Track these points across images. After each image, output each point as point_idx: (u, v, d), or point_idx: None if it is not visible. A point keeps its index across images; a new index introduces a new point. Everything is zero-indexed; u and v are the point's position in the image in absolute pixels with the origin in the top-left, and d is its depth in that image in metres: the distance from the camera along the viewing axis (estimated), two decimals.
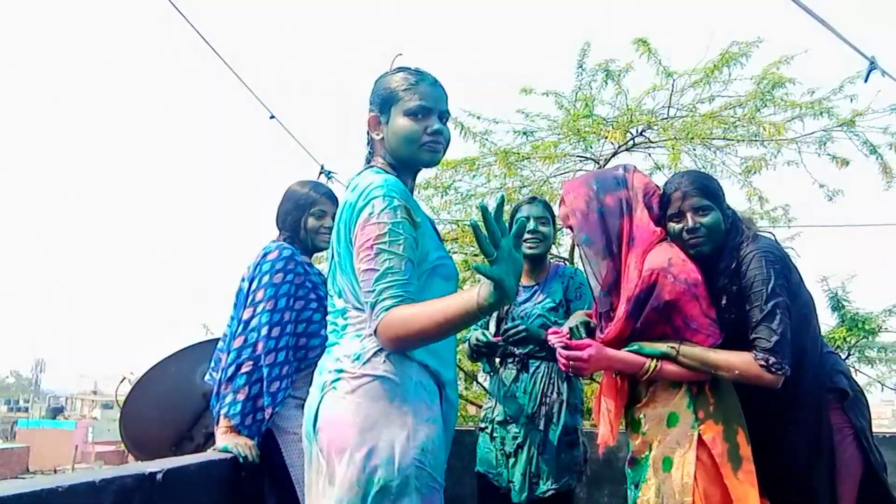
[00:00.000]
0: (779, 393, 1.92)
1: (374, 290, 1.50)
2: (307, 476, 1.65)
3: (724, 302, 1.97)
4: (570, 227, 2.14)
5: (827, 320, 6.82)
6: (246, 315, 2.16)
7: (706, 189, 2.02)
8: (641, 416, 2.05)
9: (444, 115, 1.70)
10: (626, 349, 2.00)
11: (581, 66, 6.72)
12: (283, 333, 2.14)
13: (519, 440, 2.50)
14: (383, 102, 1.69)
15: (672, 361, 1.95)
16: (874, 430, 2.12)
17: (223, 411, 2.10)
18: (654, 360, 1.96)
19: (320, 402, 1.59)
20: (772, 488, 1.97)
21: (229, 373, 2.12)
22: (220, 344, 2.31)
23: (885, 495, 1.99)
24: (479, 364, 2.84)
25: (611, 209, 2.04)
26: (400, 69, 1.72)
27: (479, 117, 6.84)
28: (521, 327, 2.45)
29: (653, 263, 1.95)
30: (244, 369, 2.10)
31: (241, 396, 2.08)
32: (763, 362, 1.87)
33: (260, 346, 2.11)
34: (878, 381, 7.09)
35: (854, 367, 6.96)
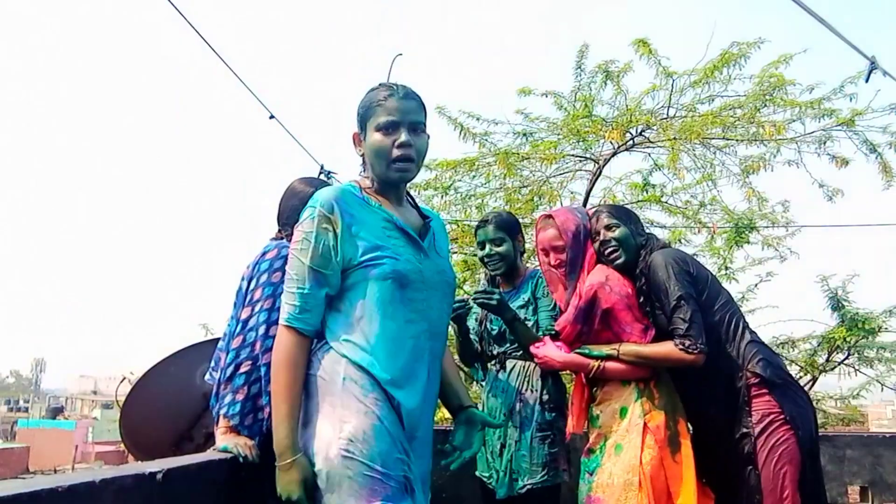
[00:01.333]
0: (700, 377, 2.25)
1: (284, 291, 1.75)
2: None
3: (641, 299, 2.36)
4: (555, 248, 2.50)
5: (827, 320, 6.83)
6: (244, 314, 2.16)
7: (614, 211, 2.50)
8: (598, 412, 2.39)
9: (416, 126, 1.77)
10: (576, 351, 2.40)
11: (580, 67, 6.72)
12: None
13: (501, 439, 2.58)
14: (361, 119, 1.81)
15: (614, 360, 2.33)
16: (873, 430, 2.17)
17: (222, 411, 2.09)
18: (599, 361, 2.35)
19: None
20: (710, 470, 2.29)
21: (228, 373, 2.11)
22: (221, 343, 2.30)
23: (816, 484, 2.19)
24: (471, 370, 2.96)
25: (586, 234, 2.51)
26: (379, 85, 1.82)
27: (478, 118, 6.84)
28: (495, 294, 2.53)
29: (592, 280, 2.38)
30: (243, 369, 2.10)
31: (239, 396, 2.08)
32: (681, 346, 2.21)
33: (258, 345, 2.11)
34: (878, 381, 7.09)
35: (854, 367, 6.96)
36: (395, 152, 1.74)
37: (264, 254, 2.23)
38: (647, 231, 2.55)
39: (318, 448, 1.65)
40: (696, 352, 2.18)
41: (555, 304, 2.62)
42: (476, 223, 6.80)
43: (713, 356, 2.22)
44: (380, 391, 1.67)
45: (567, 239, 2.47)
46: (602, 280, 2.37)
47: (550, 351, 2.44)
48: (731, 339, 2.27)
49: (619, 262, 2.41)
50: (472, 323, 2.78)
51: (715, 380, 2.25)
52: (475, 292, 2.58)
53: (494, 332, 2.68)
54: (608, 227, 2.43)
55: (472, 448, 1.98)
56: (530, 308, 2.64)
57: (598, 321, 2.37)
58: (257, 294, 2.16)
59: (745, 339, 2.27)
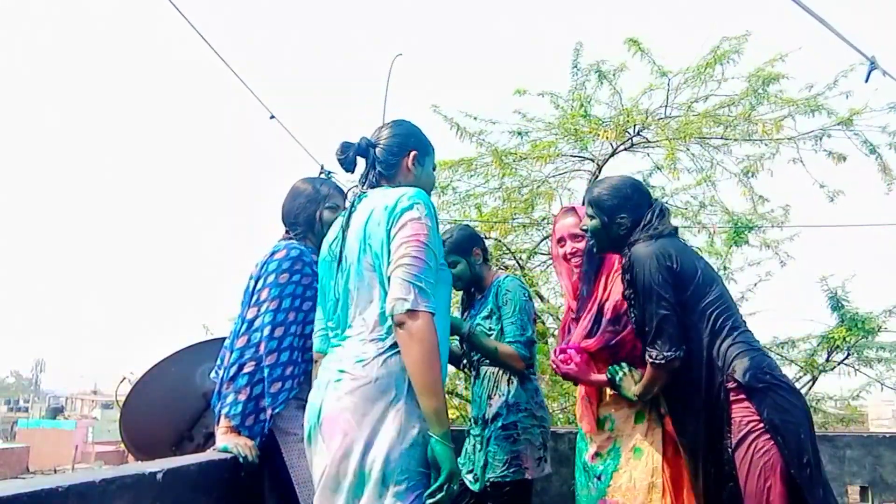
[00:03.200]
0: (680, 386, 2.11)
1: (421, 279, 1.70)
2: (312, 469, 1.81)
3: (631, 302, 2.18)
4: (573, 236, 2.47)
5: (827, 320, 6.83)
6: (250, 314, 2.15)
7: (592, 201, 2.32)
8: (607, 415, 2.35)
9: None
10: (609, 375, 2.30)
11: (576, 67, 6.72)
12: (287, 334, 2.13)
13: (479, 438, 2.75)
14: (426, 151, 2.03)
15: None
16: (873, 430, 2.08)
17: (224, 411, 2.09)
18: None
19: (323, 400, 1.77)
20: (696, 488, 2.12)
21: (231, 372, 2.11)
22: (227, 342, 2.30)
23: (814, 491, 1.93)
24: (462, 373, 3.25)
25: None
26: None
27: (475, 118, 6.83)
28: None
29: (621, 294, 2.26)
30: (246, 369, 2.09)
31: (241, 397, 2.07)
32: (650, 359, 2.09)
33: (262, 346, 2.10)
34: (878, 381, 7.09)
35: (854, 367, 6.96)
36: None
37: (273, 253, 2.22)
38: (647, 215, 2.27)
39: (379, 449, 1.66)
40: (661, 361, 2.05)
41: (514, 310, 2.70)
42: (475, 223, 6.80)
43: (694, 363, 2.05)
44: None
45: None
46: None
47: (581, 374, 2.36)
48: (713, 342, 2.06)
49: (590, 246, 2.37)
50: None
51: (694, 388, 2.06)
52: None
53: None
54: (587, 217, 2.34)
55: None
56: (494, 318, 2.75)
57: (629, 331, 2.27)
58: (264, 294, 2.15)
59: (728, 340, 2.06)
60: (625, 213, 2.25)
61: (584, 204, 2.37)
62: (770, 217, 6.80)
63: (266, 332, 2.10)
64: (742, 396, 1.98)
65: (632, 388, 2.24)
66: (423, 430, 1.69)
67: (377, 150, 1.98)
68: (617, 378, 2.27)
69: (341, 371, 1.75)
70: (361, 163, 2.02)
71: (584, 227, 2.34)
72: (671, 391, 2.16)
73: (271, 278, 2.16)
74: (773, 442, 1.92)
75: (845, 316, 6.61)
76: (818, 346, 6.92)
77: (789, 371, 7.30)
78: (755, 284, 6.95)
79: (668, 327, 2.05)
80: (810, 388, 7.25)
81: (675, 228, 2.30)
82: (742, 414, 1.97)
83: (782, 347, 7.07)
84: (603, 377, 2.31)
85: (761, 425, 1.94)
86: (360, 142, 1.99)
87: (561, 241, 2.51)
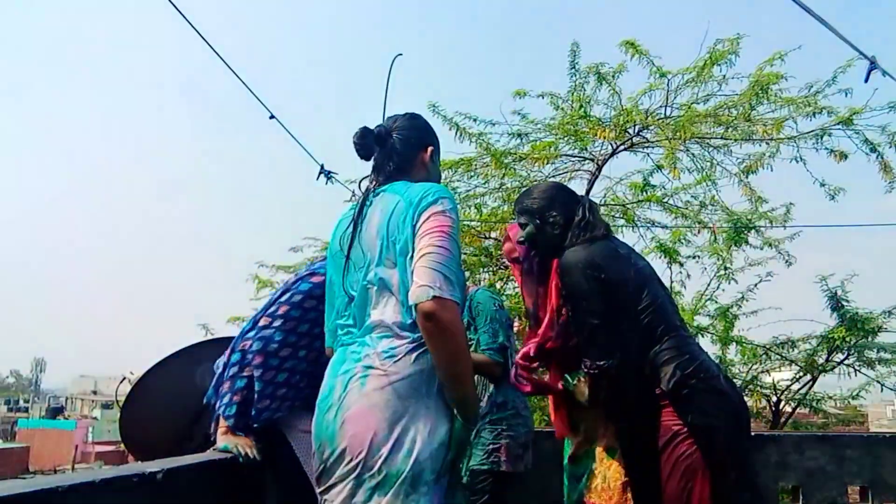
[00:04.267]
0: (616, 393, 2.09)
1: (446, 267, 1.64)
2: (315, 465, 1.75)
3: (567, 307, 2.19)
4: (515, 260, 2.57)
5: (827, 320, 6.82)
6: (263, 322, 2.14)
7: (522, 210, 2.35)
8: (580, 417, 2.39)
9: None
10: (564, 383, 2.34)
11: (574, 68, 6.71)
12: (293, 357, 2.13)
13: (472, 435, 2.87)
14: (438, 147, 2.02)
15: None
16: (873, 430, 2.09)
17: (221, 411, 2.10)
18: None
19: (344, 395, 1.69)
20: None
21: (232, 372, 2.11)
22: (236, 338, 2.29)
23: (742, 492, 1.96)
24: None
25: None
26: None
27: (475, 119, 6.83)
28: None
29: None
30: (247, 372, 2.09)
31: (237, 398, 2.09)
32: (584, 368, 2.10)
33: (265, 359, 2.09)
34: (878, 381, 7.08)
35: (854, 368, 6.95)
36: None
37: (312, 274, 2.18)
38: (579, 211, 2.28)
39: (408, 447, 1.62)
40: (595, 370, 2.06)
41: (486, 320, 2.83)
42: (474, 223, 6.80)
43: (628, 370, 2.05)
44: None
45: (521, 250, 2.49)
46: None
47: (539, 389, 2.50)
48: (645, 349, 2.06)
49: (536, 253, 2.39)
50: None
51: (628, 395, 2.09)
52: None
53: None
54: (520, 226, 2.35)
55: None
56: (471, 329, 2.86)
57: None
58: (283, 310, 2.13)
59: (657, 347, 2.05)
60: (555, 212, 2.28)
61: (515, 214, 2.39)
62: (771, 216, 6.79)
63: (273, 348, 2.09)
64: (667, 402, 2.01)
65: (584, 393, 2.25)
66: (450, 431, 1.71)
67: (395, 139, 1.90)
68: (570, 386, 2.31)
69: (368, 367, 1.69)
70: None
71: (521, 238, 2.34)
72: (611, 401, 2.17)
73: (297, 298, 2.13)
74: (694, 446, 1.95)
75: (845, 316, 6.60)
76: (818, 346, 6.92)
77: (789, 371, 7.31)
78: (756, 284, 6.95)
79: (599, 337, 2.06)
80: (810, 388, 7.25)
81: (608, 226, 2.30)
82: (668, 419, 2.00)
83: (782, 347, 7.07)
84: (560, 386, 2.36)
85: (685, 430, 1.97)
86: (378, 129, 1.90)
87: (511, 263, 2.72)
